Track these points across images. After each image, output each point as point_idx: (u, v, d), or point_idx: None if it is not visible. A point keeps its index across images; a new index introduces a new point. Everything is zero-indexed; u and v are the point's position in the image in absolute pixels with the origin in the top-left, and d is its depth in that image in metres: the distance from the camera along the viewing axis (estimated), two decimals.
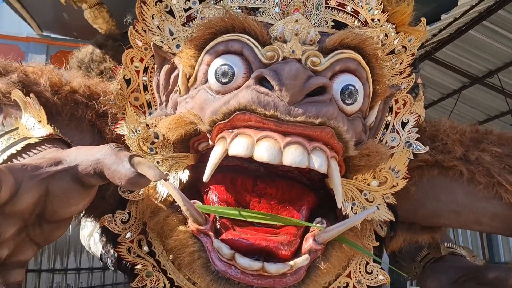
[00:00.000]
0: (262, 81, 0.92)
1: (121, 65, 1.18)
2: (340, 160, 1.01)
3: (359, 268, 1.24)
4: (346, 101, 0.99)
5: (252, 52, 0.96)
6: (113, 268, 2.28)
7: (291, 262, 0.93)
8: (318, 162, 0.90)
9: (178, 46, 1.12)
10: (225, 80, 0.97)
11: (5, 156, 0.91)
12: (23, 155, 0.92)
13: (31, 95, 1.00)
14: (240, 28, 0.97)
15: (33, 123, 0.97)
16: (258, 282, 0.92)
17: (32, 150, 0.92)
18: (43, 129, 0.96)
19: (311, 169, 1.18)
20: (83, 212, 1.27)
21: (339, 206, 0.99)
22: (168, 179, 1.01)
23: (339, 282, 1.23)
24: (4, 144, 0.93)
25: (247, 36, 0.97)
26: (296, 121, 0.88)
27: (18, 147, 0.92)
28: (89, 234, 2.23)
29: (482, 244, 6.05)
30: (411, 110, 1.23)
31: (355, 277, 1.23)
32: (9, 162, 0.90)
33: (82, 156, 0.81)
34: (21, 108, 1.00)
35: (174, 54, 1.13)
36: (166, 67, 1.17)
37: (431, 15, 2.68)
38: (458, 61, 4.50)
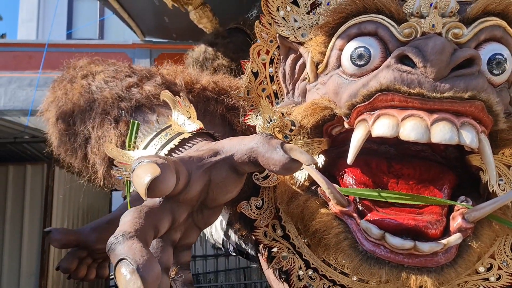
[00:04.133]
0: (403, 59, 0.91)
1: (247, 59, 1.24)
2: (487, 134, 0.96)
3: (504, 249, 1.17)
4: (494, 72, 0.94)
5: (388, 31, 0.95)
6: (234, 254, 2.41)
7: (443, 241, 0.92)
8: (469, 138, 0.86)
9: (303, 35, 1.14)
10: (362, 62, 0.97)
11: (165, 150, 1.01)
12: (180, 148, 1.01)
13: (181, 94, 1.10)
14: (372, 8, 0.96)
15: (183, 120, 1.06)
16: (409, 261, 0.92)
17: (186, 144, 1.01)
18: (193, 124, 1.05)
19: (447, 147, 1.16)
20: None
21: (493, 182, 0.95)
22: (317, 163, 1.05)
23: (481, 264, 1.17)
24: (162, 140, 1.04)
25: (381, 16, 0.96)
26: (443, 97, 0.86)
27: (176, 142, 1.02)
28: None
29: None
30: None
31: (500, 258, 1.16)
32: (169, 156, 1.00)
33: (236, 146, 0.86)
34: (171, 106, 1.10)
35: (299, 43, 1.16)
36: (291, 56, 1.20)
37: None
38: None
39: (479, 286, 1.17)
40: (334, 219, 1.02)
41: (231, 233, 2.15)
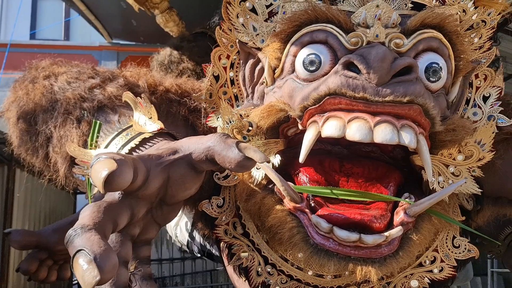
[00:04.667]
0: (349, 66, 0.98)
1: (209, 63, 1.29)
2: (426, 136, 1.05)
3: (446, 242, 1.26)
4: (431, 79, 1.03)
5: (337, 40, 1.03)
6: (199, 255, 2.43)
7: (386, 233, 0.99)
8: (408, 138, 0.95)
9: (262, 41, 1.21)
10: (313, 68, 1.04)
11: (126, 149, 1.04)
12: (141, 147, 1.04)
13: (142, 95, 1.13)
14: (323, 18, 1.04)
15: (145, 120, 1.10)
16: (356, 252, 0.99)
17: (147, 143, 1.05)
18: (154, 125, 1.08)
19: (394, 148, 1.24)
20: None
21: (430, 179, 1.04)
22: (270, 161, 1.11)
23: (426, 257, 1.26)
24: (123, 139, 1.07)
25: (330, 25, 1.03)
26: (384, 101, 0.94)
27: (136, 141, 1.05)
28: (176, 223, 2.40)
29: None
30: (492, 84, 1.23)
31: (442, 251, 1.26)
32: (130, 155, 1.03)
33: (195, 145, 0.91)
34: (132, 107, 1.13)
35: (257, 49, 1.22)
36: (250, 61, 1.25)
37: None
38: None
39: (424, 277, 1.26)
40: (288, 215, 1.08)
41: (195, 234, 2.18)
